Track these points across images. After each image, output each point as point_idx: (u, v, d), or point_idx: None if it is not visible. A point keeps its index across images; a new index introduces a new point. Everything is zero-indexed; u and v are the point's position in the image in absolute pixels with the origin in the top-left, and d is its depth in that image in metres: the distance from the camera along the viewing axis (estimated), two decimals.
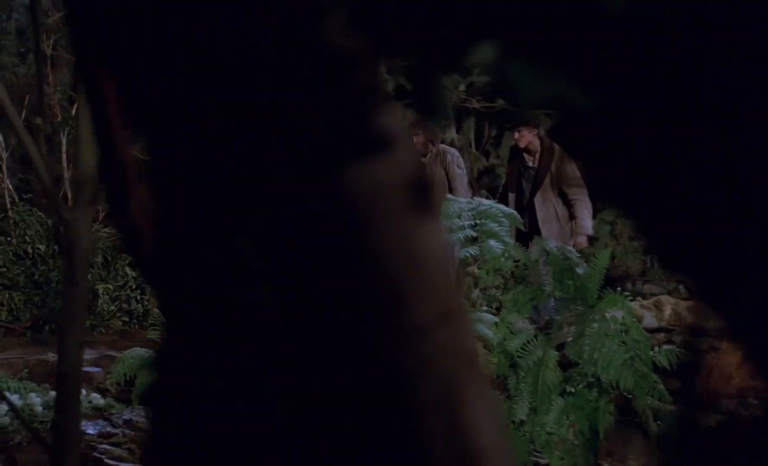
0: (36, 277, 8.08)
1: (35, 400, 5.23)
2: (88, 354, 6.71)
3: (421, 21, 0.68)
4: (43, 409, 5.19)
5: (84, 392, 5.50)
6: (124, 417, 5.23)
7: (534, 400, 3.90)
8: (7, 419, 5.05)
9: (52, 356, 6.18)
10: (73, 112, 8.87)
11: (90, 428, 5.12)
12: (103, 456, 4.84)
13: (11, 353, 6.85)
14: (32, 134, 1.57)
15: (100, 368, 6.07)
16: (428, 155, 7.33)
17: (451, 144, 8.51)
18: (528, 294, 4.17)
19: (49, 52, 9.20)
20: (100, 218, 7.98)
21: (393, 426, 0.64)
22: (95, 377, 5.95)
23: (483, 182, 10.97)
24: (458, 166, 7.31)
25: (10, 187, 9.38)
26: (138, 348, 5.71)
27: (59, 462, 1.47)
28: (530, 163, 6.94)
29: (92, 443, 4.99)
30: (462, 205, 5.86)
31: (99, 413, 5.30)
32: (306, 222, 0.65)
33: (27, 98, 8.78)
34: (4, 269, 8.10)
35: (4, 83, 9.74)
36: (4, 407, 5.13)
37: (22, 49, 10.61)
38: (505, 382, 4.05)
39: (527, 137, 6.84)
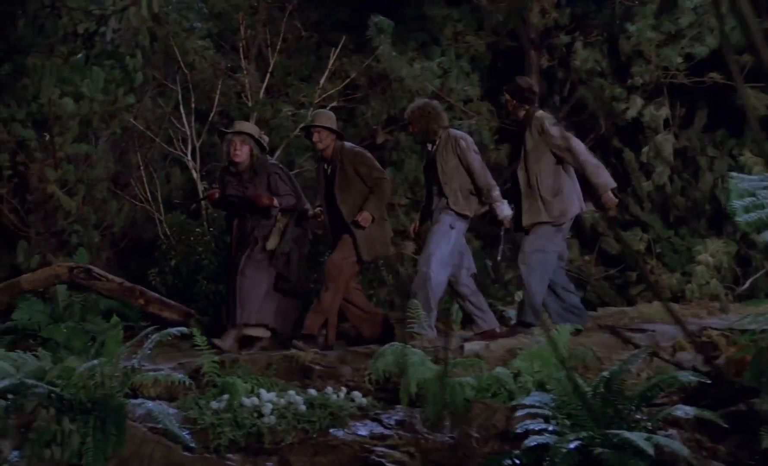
0: None
1: (296, 398, 5.05)
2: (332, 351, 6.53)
3: None
4: (307, 408, 5.00)
5: (344, 389, 5.28)
6: (395, 418, 4.97)
7: None
8: (273, 418, 4.88)
9: (295, 353, 6.02)
10: None
11: (361, 429, 4.89)
12: (383, 460, 4.59)
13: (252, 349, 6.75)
14: None
15: (346, 365, 5.85)
16: (436, 142, 7.05)
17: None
18: None
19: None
20: None
21: None
22: (343, 374, 5.73)
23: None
24: (474, 151, 7.03)
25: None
26: (395, 343, 5.45)
27: None
28: None
29: (366, 446, 4.76)
30: (754, 184, 5.35)
31: (363, 412, 5.06)
32: None
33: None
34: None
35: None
36: (269, 406, 4.97)
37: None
38: None
39: None
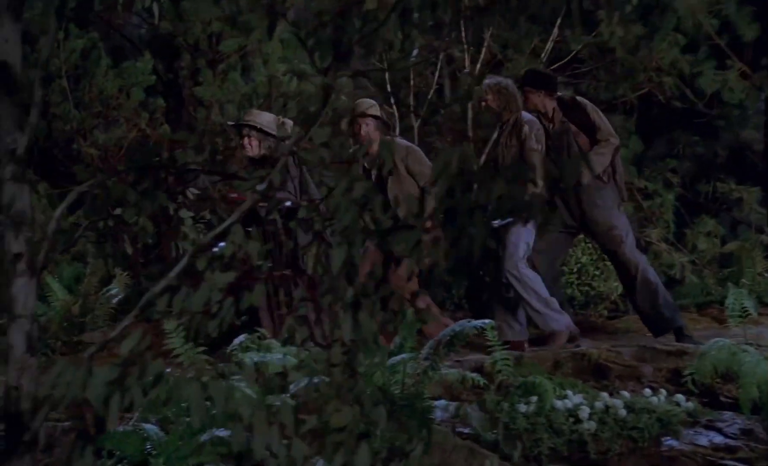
0: None
1: (615, 402, 4.59)
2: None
3: None
4: (628, 412, 4.53)
5: (663, 392, 4.77)
6: (737, 426, 4.44)
7: None
8: (593, 424, 4.44)
9: (587, 350, 5.57)
10: None
11: (698, 438, 4.38)
12: None
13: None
14: None
15: (646, 364, 5.35)
16: (504, 125, 6.50)
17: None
18: None
19: None
20: None
21: None
22: (644, 373, 5.24)
23: None
24: (536, 140, 6.45)
25: None
26: (722, 339, 4.91)
27: None
28: None
29: (709, 458, 4.24)
30: None
31: (693, 419, 4.55)
32: None
33: None
34: None
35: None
36: (586, 410, 4.53)
37: None
38: None
39: None
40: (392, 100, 9.53)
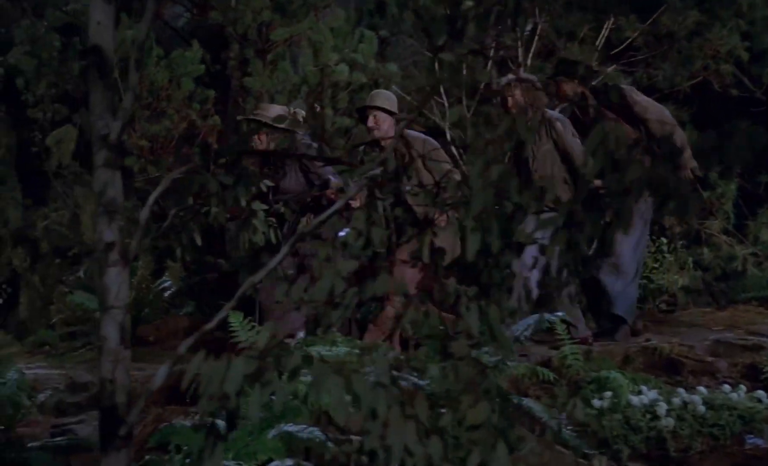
0: None
1: (693, 398, 4.47)
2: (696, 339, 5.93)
3: None
4: (707, 408, 4.41)
5: (743, 388, 4.64)
6: None
7: None
8: (671, 421, 4.33)
9: (658, 345, 5.45)
10: None
11: None
12: None
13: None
14: None
15: (720, 358, 5.22)
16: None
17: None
18: None
19: None
20: None
21: None
22: (719, 368, 5.11)
23: None
24: (573, 133, 6.38)
25: None
26: None
27: None
28: None
29: None
30: None
31: None
32: None
33: None
34: None
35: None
36: (663, 406, 4.42)
37: None
38: None
39: None
40: (441, 90, 9.42)
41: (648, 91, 8.65)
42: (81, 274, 9.57)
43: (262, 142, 6.59)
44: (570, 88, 6.62)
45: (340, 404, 1.45)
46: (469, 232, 1.59)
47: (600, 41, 9.27)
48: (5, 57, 9.88)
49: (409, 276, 6.15)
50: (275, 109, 6.71)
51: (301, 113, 6.67)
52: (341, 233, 1.89)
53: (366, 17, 10.00)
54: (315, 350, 4.67)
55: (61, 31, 9.72)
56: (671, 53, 9.28)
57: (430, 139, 6.70)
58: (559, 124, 6.36)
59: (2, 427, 4.19)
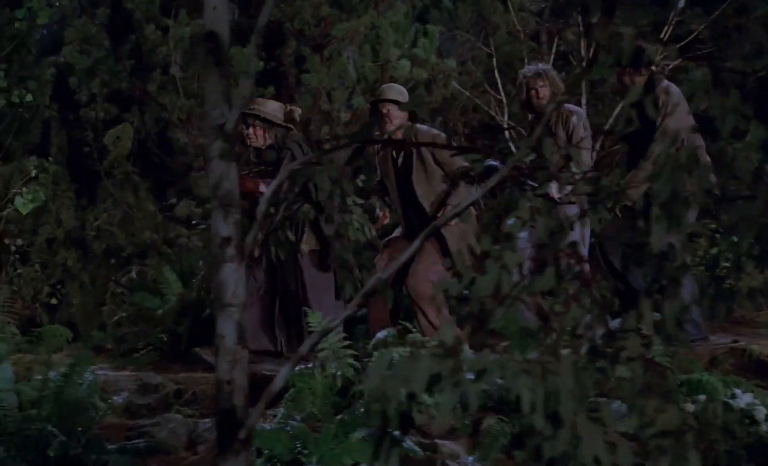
0: None
1: (754, 402, 4.33)
2: None
3: None
4: None
5: None
6: None
7: None
8: None
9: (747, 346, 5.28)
10: None
11: None
12: None
13: None
14: None
15: None
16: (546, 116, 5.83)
17: None
18: None
19: None
20: None
21: None
22: None
23: None
24: (584, 127, 6.27)
25: None
26: None
27: None
28: None
29: None
30: None
31: None
32: None
33: None
34: None
35: None
36: (762, 410, 4.27)
37: None
38: None
39: None
40: (499, 85, 9.30)
41: (713, 84, 8.43)
42: (133, 274, 9.57)
43: (257, 137, 6.46)
44: (637, 78, 6.43)
45: (537, 405, 1.35)
46: (653, 221, 1.48)
47: (664, 34, 9.08)
48: (57, 56, 9.91)
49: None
50: (272, 105, 6.63)
51: (298, 111, 6.58)
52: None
53: (420, 12, 9.90)
54: (395, 352, 4.57)
55: (111, 28, 9.72)
56: (738, 46, 9.08)
57: (443, 135, 6.51)
58: (574, 117, 6.29)
59: (81, 429, 4.14)
